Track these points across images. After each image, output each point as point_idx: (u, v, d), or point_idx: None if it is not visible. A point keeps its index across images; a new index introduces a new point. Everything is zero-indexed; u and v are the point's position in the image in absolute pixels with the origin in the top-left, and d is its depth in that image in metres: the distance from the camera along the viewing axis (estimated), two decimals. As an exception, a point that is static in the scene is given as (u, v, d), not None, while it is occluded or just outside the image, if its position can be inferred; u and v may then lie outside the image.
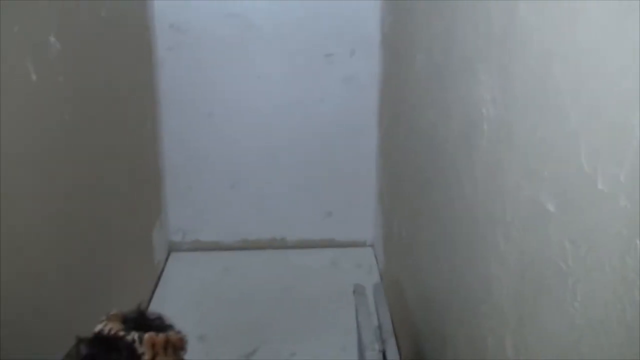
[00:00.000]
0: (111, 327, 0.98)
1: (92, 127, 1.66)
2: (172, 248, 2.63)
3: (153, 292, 2.33)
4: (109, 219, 1.83)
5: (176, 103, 2.46)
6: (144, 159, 2.30)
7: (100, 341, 0.96)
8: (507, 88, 0.95)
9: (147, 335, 0.96)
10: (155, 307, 2.23)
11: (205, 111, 2.48)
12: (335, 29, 2.42)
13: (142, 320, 1.02)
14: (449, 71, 1.33)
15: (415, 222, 1.77)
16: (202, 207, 2.61)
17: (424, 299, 1.67)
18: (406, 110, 1.86)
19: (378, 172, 2.53)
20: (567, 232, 0.75)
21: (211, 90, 2.47)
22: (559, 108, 0.76)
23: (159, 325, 1.03)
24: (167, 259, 2.56)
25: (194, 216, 2.62)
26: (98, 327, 0.99)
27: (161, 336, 0.97)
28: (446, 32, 1.35)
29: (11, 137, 1.18)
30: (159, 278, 2.42)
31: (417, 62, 1.68)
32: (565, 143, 0.74)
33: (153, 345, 0.96)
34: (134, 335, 0.95)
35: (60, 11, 1.41)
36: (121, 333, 0.96)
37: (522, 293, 0.90)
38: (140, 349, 0.95)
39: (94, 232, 1.69)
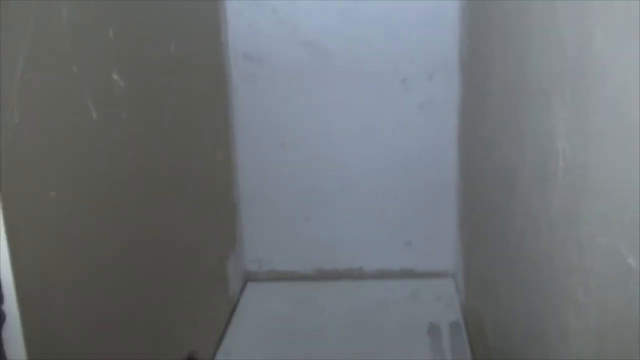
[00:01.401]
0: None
1: (162, 160, 1.66)
2: (248, 278, 2.61)
3: (227, 323, 2.30)
4: (183, 250, 1.82)
5: (250, 132, 2.45)
6: (218, 189, 2.29)
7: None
8: (582, 123, 0.86)
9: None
10: (229, 340, 2.21)
11: (279, 140, 2.46)
12: (412, 53, 2.35)
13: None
14: (523, 100, 1.23)
15: (493, 256, 1.66)
16: (277, 237, 2.58)
17: (503, 339, 1.56)
18: (483, 138, 1.76)
19: (458, 200, 2.42)
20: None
21: (285, 119, 2.45)
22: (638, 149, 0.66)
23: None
24: (242, 289, 2.54)
25: (269, 246, 2.59)
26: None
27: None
28: (521, 60, 1.26)
29: (77, 175, 1.18)
30: (234, 309, 2.40)
31: (493, 89, 1.58)
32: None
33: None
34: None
35: (124, 49, 1.41)
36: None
37: (604, 355, 0.80)
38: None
39: (167, 264, 1.68)
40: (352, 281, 2.58)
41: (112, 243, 1.35)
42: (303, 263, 2.61)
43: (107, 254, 1.33)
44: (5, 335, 0.91)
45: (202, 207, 2.04)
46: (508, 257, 1.42)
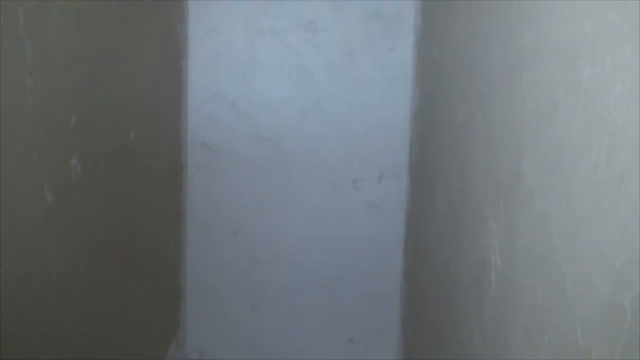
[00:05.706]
0: None
1: (112, 243, 1.67)
2: (188, 367, 2.57)
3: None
4: (125, 334, 1.80)
5: (202, 221, 2.48)
6: (166, 275, 2.29)
7: None
8: (512, 241, 0.92)
9: None
10: None
11: (230, 230, 2.49)
12: (364, 155, 2.45)
13: None
14: (463, 213, 1.31)
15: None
16: (221, 326, 2.56)
17: None
18: (427, 243, 1.83)
19: (402, 300, 2.46)
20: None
21: (237, 209, 2.48)
22: (557, 275, 0.72)
23: None
24: (181, 379, 2.50)
25: (212, 334, 2.57)
26: None
27: None
28: (463, 174, 1.34)
29: (26, 257, 1.18)
30: (171, 399, 2.35)
31: (437, 198, 1.66)
32: (563, 313, 0.70)
33: None
34: None
35: (85, 135, 1.45)
36: None
37: None
38: None
39: (109, 346, 1.66)
40: (293, 377, 2.56)
41: (57, 325, 1.35)
42: (244, 354, 2.58)
43: (53, 335, 1.32)
44: None
45: (148, 291, 2.03)
46: (445, 362, 1.46)
